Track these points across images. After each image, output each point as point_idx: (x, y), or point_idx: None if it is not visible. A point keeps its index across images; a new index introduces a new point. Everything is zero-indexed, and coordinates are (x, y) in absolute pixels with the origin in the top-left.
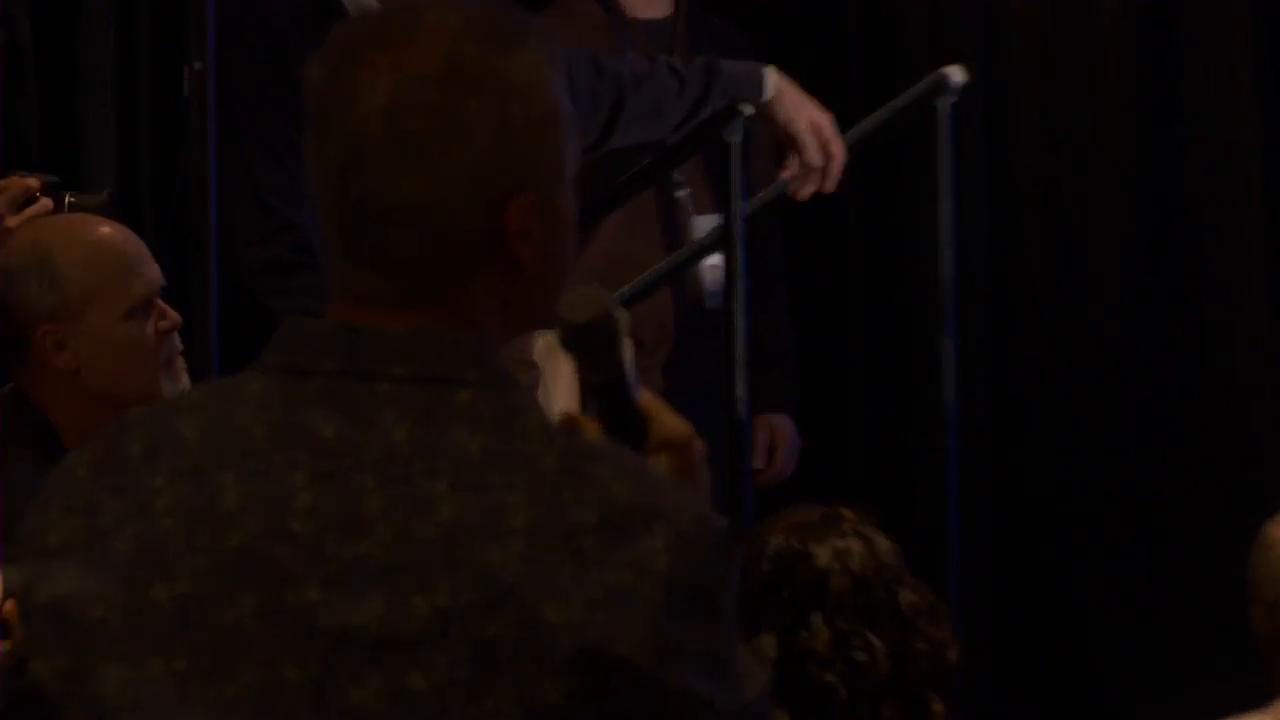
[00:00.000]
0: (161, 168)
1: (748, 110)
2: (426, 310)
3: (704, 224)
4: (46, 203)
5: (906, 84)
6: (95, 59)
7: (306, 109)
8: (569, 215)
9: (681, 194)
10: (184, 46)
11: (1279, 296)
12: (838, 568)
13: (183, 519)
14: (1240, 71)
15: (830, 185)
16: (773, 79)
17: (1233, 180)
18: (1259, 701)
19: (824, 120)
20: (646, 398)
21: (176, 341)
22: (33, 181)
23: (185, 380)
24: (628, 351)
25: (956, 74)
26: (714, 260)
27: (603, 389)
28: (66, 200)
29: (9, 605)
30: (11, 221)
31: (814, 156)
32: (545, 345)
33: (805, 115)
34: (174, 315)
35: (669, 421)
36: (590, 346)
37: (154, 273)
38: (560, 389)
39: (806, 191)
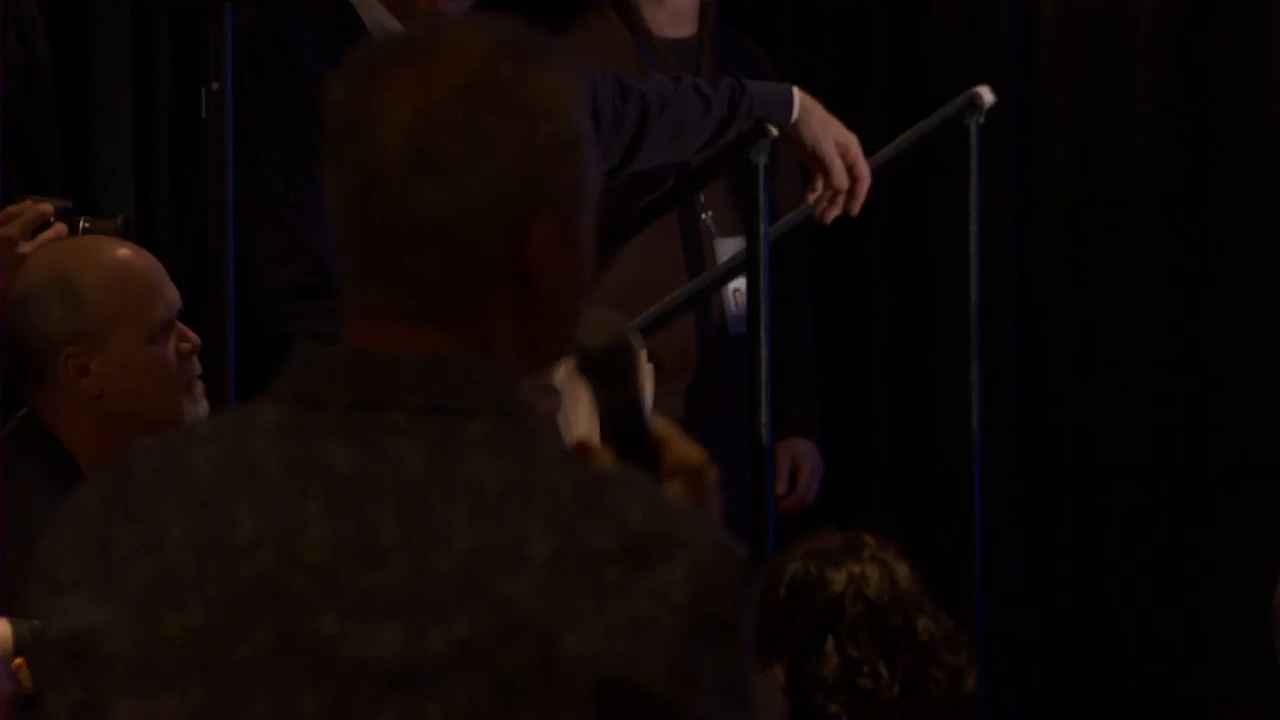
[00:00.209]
0: (179, 189)
1: (774, 132)
2: (444, 330)
3: (728, 247)
4: (61, 228)
5: (934, 105)
6: (112, 79)
7: (326, 128)
8: (589, 238)
9: (705, 216)
10: (202, 67)
11: None
12: (853, 594)
13: (196, 551)
14: (1277, 94)
15: (856, 208)
16: (799, 100)
17: (1268, 204)
18: None
19: (850, 142)
20: (660, 423)
21: (196, 364)
22: (47, 207)
23: (205, 403)
24: (646, 378)
25: (985, 95)
26: (737, 284)
27: (617, 414)
28: (81, 225)
29: (17, 663)
30: (26, 248)
31: (840, 179)
32: (566, 370)
33: (831, 137)
34: (194, 337)
35: (682, 447)
36: (605, 371)
37: (174, 294)
38: (581, 414)
39: (832, 214)
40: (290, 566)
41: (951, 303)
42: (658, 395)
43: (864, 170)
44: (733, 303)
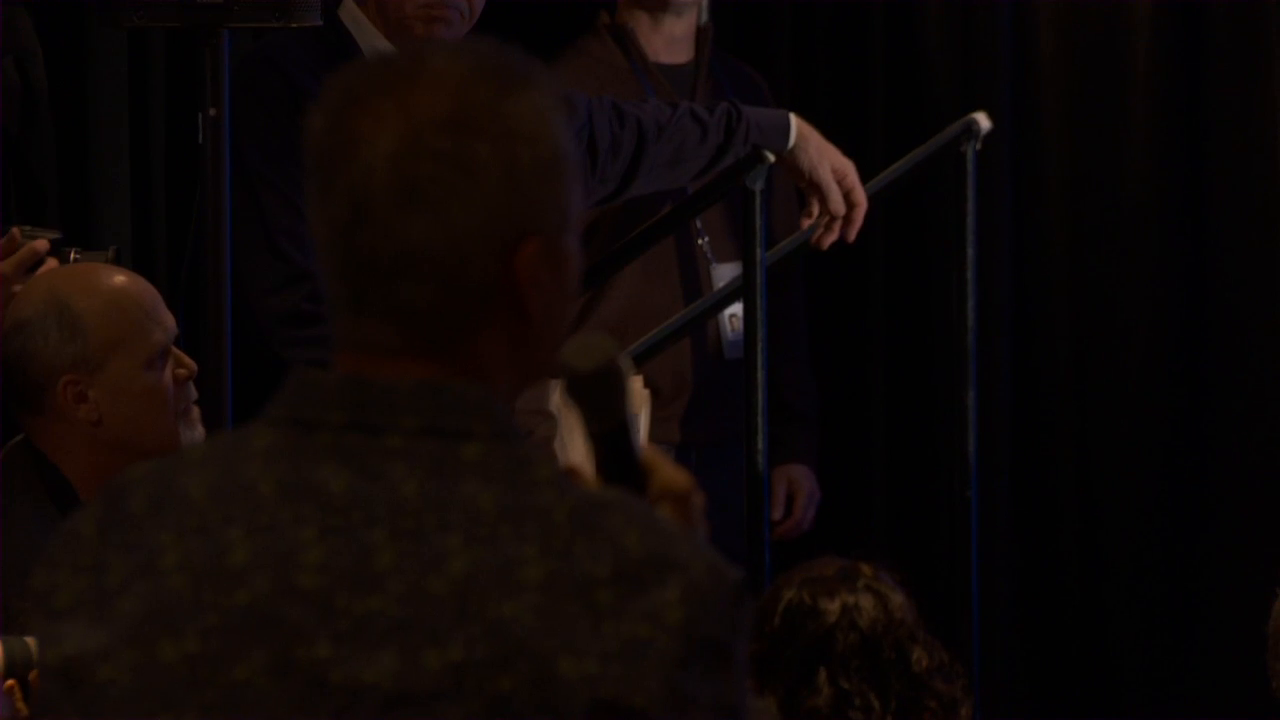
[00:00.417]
0: (176, 215)
1: (770, 158)
2: (437, 361)
3: (724, 272)
4: (53, 263)
5: (931, 131)
6: (109, 105)
7: (308, 158)
8: (575, 259)
9: (702, 242)
10: (199, 93)
11: None
12: (845, 624)
13: (191, 576)
14: (1272, 117)
15: (853, 234)
16: (796, 126)
17: (1264, 227)
18: None
19: (847, 168)
20: (645, 448)
21: (192, 389)
22: (42, 244)
23: (201, 429)
24: (643, 403)
25: (982, 121)
26: (734, 309)
27: (604, 438)
28: (72, 256)
29: (9, 684)
30: (19, 287)
31: (837, 205)
32: (562, 395)
33: (828, 163)
34: (190, 363)
35: (669, 472)
36: (594, 395)
37: (170, 320)
38: (577, 439)
39: (829, 240)
40: (285, 591)
41: (948, 328)
42: (654, 420)
43: (860, 196)
44: (729, 328)
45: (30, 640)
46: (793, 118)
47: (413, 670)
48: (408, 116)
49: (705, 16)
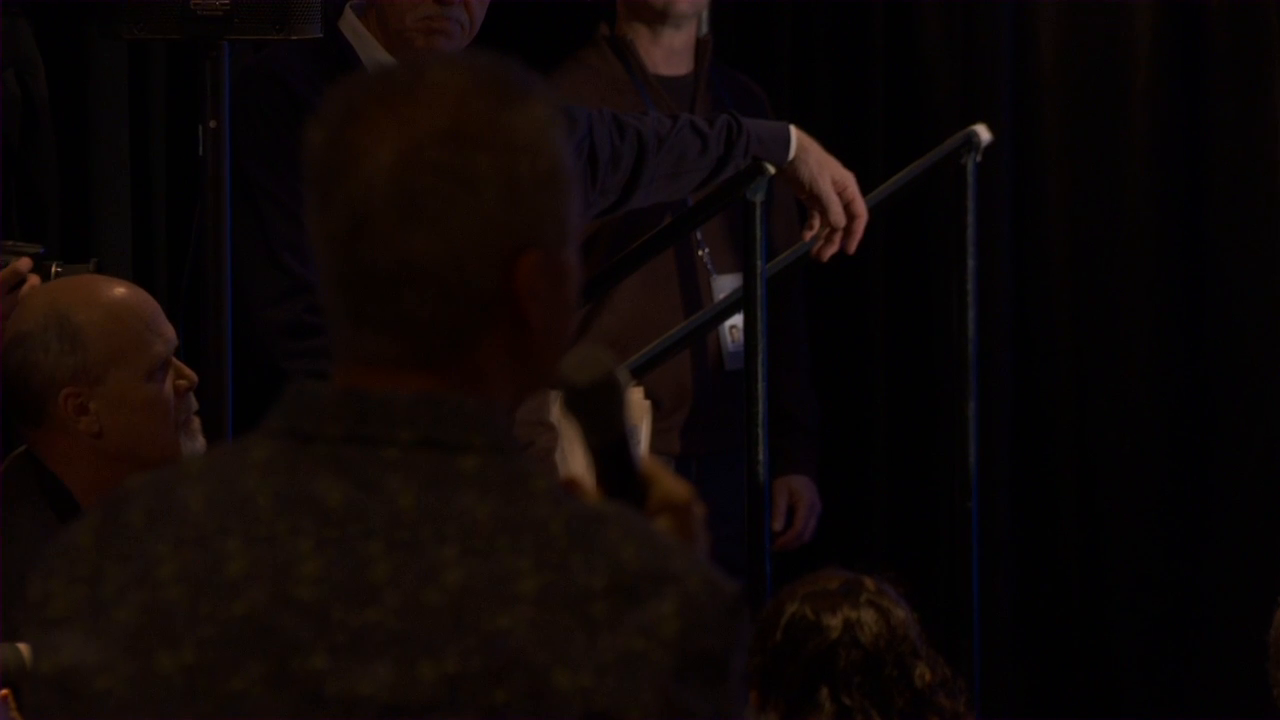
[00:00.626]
0: (176, 227)
1: (771, 170)
2: (436, 373)
3: (725, 284)
4: (35, 280)
5: (931, 143)
6: (110, 117)
7: (308, 171)
8: (574, 271)
9: (702, 254)
10: (199, 105)
11: None
12: (847, 641)
13: (188, 587)
14: (1272, 129)
15: (853, 246)
16: (796, 138)
17: (1264, 238)
18: None
19: (847, 180)
20: (645, 459)
21: (193, 400)
22: (24, 264)
23: (201, 440)
24: (644, 414)
25: (983, 133)
26: (734, 320)
27: (604, 450)
28: (53, 271)
29: (3, 693)
30: (2, 306)
31: (837, 217)
32: (561, 407)
33: (828, 175)
34: (190, 374)
35: (668, 484)
36: (593, 408)
37: (170, 331)
38: (578, 450)
39: (829, 252)
40: (282, 603)
41: (948, 339)
42: (655, 431)
43: (861, 208)
44: (729, 339)
45: (23, 646)
46: (793, 130)
47: (408, 682)
48: (407, 129)
49: (705, 28)
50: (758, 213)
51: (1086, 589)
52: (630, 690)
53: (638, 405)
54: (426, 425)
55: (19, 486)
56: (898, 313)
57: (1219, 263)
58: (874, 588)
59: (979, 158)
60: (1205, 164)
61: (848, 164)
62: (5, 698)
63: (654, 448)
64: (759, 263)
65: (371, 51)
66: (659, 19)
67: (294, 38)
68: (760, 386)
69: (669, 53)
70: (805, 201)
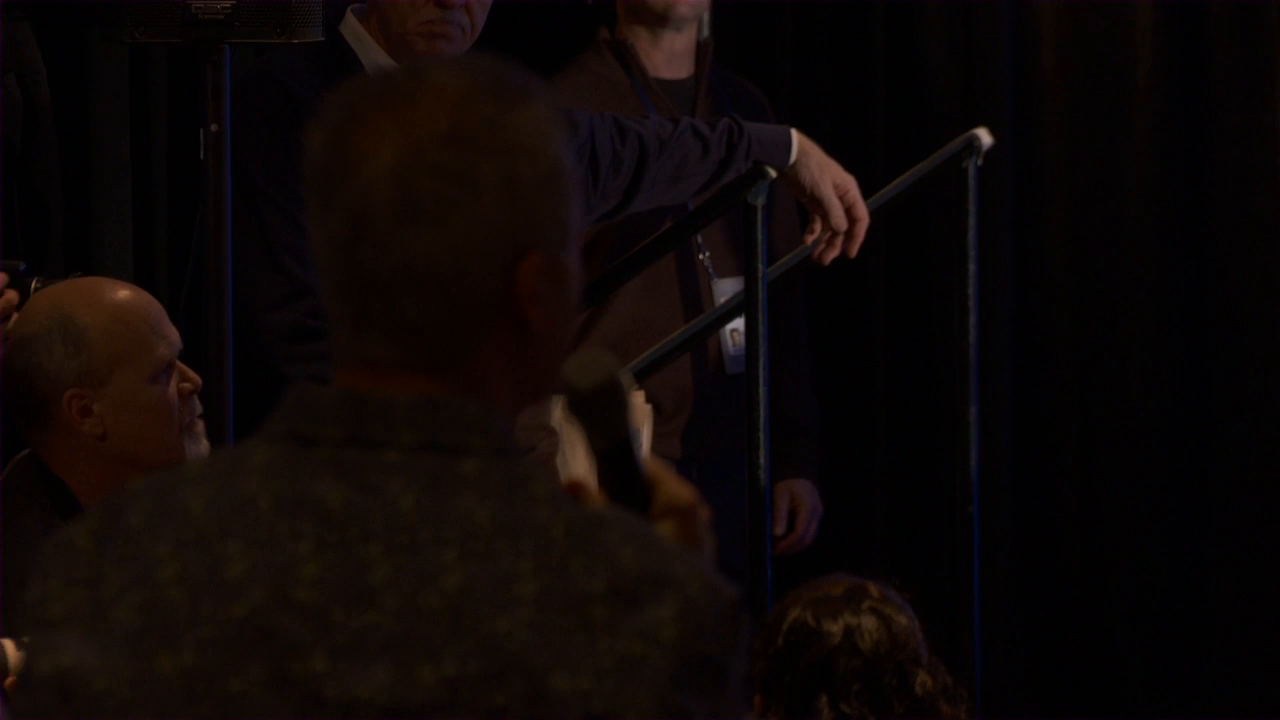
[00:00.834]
0: (178, 230)
1: (772, 173)
2: (436, 376)
3: (726, 288)
4: (12, 295)
5: (933, 147)
6: (111, 121)
7: (308, 176)
8: (576, 274)
9: (703, 257)
10: (200, 108)
11: None
12: (847, 648)
13: (188, 589)
14: (1273, 131)
15: (854, 250)
16: (797, 141)
17: (1265, 242)
18: None
19: (849, 183)
20: (650, 463)
21: (197, 404)
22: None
23: (205, 443)
24: (645, 418)
25: (984, 137)
26: (735, 324)
27: (607, 454)
28: (33, 286)
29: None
30: None
31: (838, 220)
32: (564, 411)
33: (830, 178)
34: (195, 377)
35: (673, 487)
36: (596, 412)
37: (174, 334)
38: (579, 454)
39: (830, 256)
40: (282, 605)
41: (950, 343)
42: (656, 435)
43: (862, 212)
44: (730, 343)
45: (8, 642)
46: (794, 133)
47: (407, 685)
48: (408, 132)
49: (706, 32)
50: (759, 216)
51: (1088, 592)
52: (629, 694)
53: (639, 409)
54: (427, 428)
55: (23, 489)
56: (899, 317)
57: (1220, 266)
58: (878, 594)
59: (980, 161)
60: (1206, 167)
61: (849, 167)
62: (13, 685)
63: (655, 452)
64: (760, 266)
65: (373, 55)
66: (659, 22)
67: (295, 41)
68: (761, 390)
69: (669, 56)
70: (806, 205)
